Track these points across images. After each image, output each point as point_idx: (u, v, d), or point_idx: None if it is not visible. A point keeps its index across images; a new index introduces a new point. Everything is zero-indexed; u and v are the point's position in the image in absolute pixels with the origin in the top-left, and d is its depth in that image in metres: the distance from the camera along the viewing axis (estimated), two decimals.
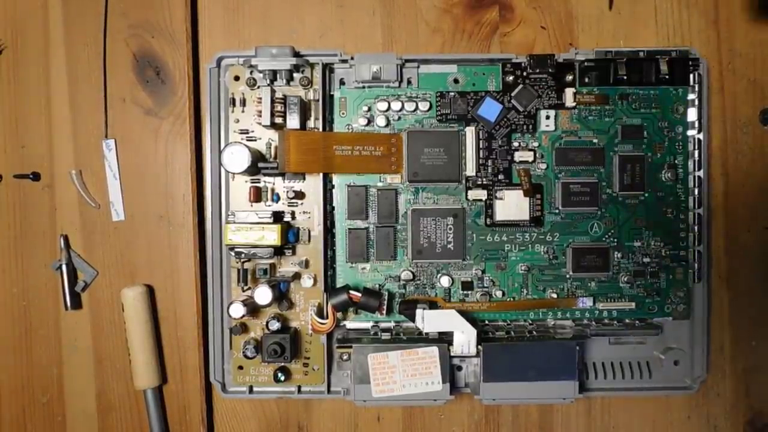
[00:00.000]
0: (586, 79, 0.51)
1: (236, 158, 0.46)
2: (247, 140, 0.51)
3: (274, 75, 0.49)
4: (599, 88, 0.51)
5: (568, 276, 0.52)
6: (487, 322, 0.52)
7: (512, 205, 0.51)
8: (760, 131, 0.53)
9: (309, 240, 0.51)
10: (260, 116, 0.49)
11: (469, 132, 0.51)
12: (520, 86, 0.51)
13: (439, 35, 0.53)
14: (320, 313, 0.50)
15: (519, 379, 0.47)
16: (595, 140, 0.51)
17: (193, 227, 0.53)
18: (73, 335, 0.53)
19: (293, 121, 0.48)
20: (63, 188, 0.53)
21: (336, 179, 0.52)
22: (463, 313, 0.48)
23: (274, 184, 0.51)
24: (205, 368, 0.52)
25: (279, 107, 0.48)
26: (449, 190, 0.52)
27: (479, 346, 0.47)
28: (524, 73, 0.51)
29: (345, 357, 0.51)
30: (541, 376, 0.47)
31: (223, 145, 0.51)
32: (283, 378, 0.50)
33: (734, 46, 0.53)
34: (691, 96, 0.51)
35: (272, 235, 0.47)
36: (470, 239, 0.52)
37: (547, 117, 0.51)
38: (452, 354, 0.48)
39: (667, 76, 0.50)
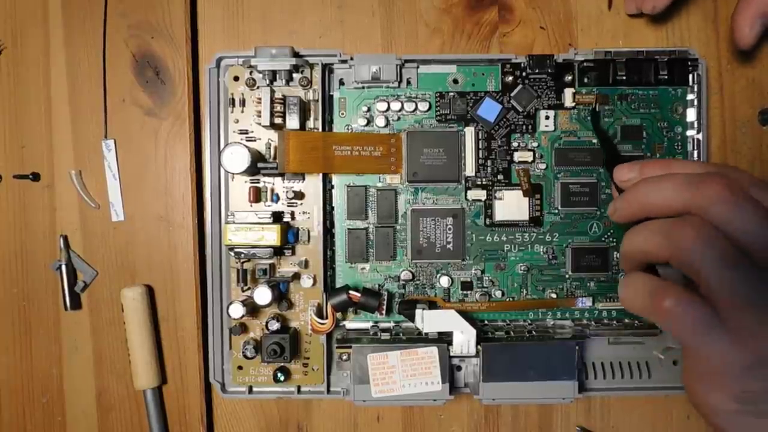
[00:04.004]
0: (586, 80, 0.51)
1: (236, 158, 0.46)
2: (247, 140, 0.51)
3: (273, 75, 0.49)
4: (598, 88, 0.51)
5: (567, 276, 0.52)
6: (486, 322, 0.53)
7: (512, 206, 0.51)
8: (759, 131, 0.53)
9: (308, 240, 0.51)
10: (260, 116, 0.49)
11: (469, 132, 0.51)
12: (520, 86, 0.51)
13: (438, 35, 0.54)
14: (320, 313, 0.50)
15: (518, 379, 0.47)
16: (594, 140, 0.51)
17: (193, 227, 0.53)
18: (73, 335, 0.53)
19: (293, 122, 0.48)
20: (63, 188, 0.53)
21: (335, 179, 0.52)
22: (463, 313, 0.48)
23: (273, 184, 0.51)
24: (205, 368, 0.52)
25: (278, 107, 0.48)
26: (449, 191, 0.52)
27: (479, 346, 0.47)
28: (523, 74, 0.51)
29: (344, 357, 0.51)
30: (540, 376, 0.47)
31: (222, 145, 0.51)
32: (282, 378, 0.50)
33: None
34: (690, 96, 0.51)
35: (272, 236, 0.47)
36: (470, 239, 0.52)
37: (547, 117, 0.51)
38: (452, 354, 0.48)
39: (666, 77, 0.50)
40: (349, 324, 0.52)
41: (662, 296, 0.29)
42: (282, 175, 0.51)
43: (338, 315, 0.51)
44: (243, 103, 0.50)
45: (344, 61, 0.50)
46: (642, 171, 0.33)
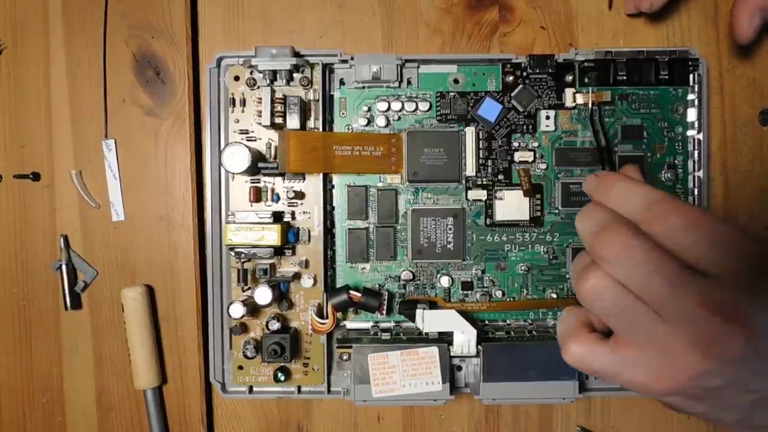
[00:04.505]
0: (586, 80, 0.51)
1: (236, 158, 0.46)
2: (247, 140, 0.51)
3: (274, 75, 0.49)
4: (599, 88, 0.51)
5: (568, 276, 0.52)
6: (487, 322, 0.53)
7: (512, 206, 0.51)
8: (760, 131, 0.53)
9: (309, 240, 0.51)
10: (260, 116, 0.49)
11: (469, 132, 0.51)
12: (520, 86, 0.51)
13: (438, 35, 0.54)
14: (320, 313, 0.50)
15: (519, 379, 0.47)
16: (593, 140, 0.51)
17: (193, 227, 0.53)
18: (73, 335, 0.53)
19: (293, 121, 0.48)
20: (63, 188, 0.53)
21: (336, 179, 0.52)
22: (463, 313, 0.48)
23: (274, 184, 0.51)
24: (205, 368, 0.52)
25: (279, 107, 0.48)
26: (449, 190, 0.52)
27: (479, 346, 0.47)
28: (524, 74, 0.51)
29: (345, 357, 0.51)
30: (541, 376, 0.47)
31: (223, 145, 0.51)
32: (283, 378, 0.50)
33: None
34: (690, 96, 0.51)
35: (272, 235, 0.47)
36: (470, 239, 0.52)
37: (547, 117, 0.51)
38: (452, 354, 0.48)
39: (666, 77, 0.50)
40: (350, 324, 0.52)
41: (569, 342, 0.31)
42: (282, 174, 0.51)
43: (339, 315, 0.51)
44: (243, 102, 0.50)
45: (345, 61, 0.50)
46: (596, 189, 0.32)
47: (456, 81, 0.52)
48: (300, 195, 0.51)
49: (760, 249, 0.26)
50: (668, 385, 0.28)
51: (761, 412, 0.27)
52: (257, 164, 0.48)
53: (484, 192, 0.51)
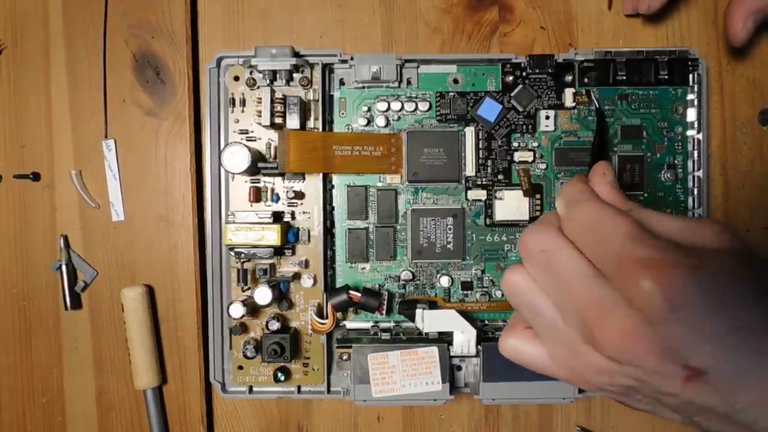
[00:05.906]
0: (586, 80, 0.51)
1: (236, 158, 0.46)
2: (247, 140, 0.51)
3: (273, 75, 0.49)
4: (599, 88, 0.51)
5: None
6: (486, 321, 0.53)
7: (512, 205, 0.51)
8: (759, 131, 0.53)
9: (309, 240, 0.51)
10: (260, 116, 0.49)
11: (469, 132, 0.51)
12: (520, 86, 0.51)
13: (438, 35, 0.54)
14: (320, 313, 0.50)
15: (519, 379, 0.47)
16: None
17: (193, 227, 0.53)
18: (73, 335, 0.53)
19: (293, 121, 0.48)
20: (63, 188, 0.53)
21: (336, 179, 0.52)
22: (463, 313, 0.48)
23: (273, 184, 0.51)
24: (205, 368, 0.52)
25: (279, 107, 0.48)
26: (449, 190, 0.52)
27: (479, 346, 0.47)
28: (524, 74, 0.51)
29: (345, 357, 0.51)
30: (540, 376, 0.47)
31: (222, 145, 0.51)
32: (282, 378, 0.50)
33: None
34: (690, 96, 0.51)
35: (272, 235, 0.47)
36: (470, 239, 0.52)
37: (547, 117, 0.51)
38: (452, 354, 0.48)
39: (666, 77, 0.50)
40: (350, 324, 0.52)
41: (505, 334, 0.32)
42: (282, 174, 0.51)
43: (338, 315, 0.51)
44: (243, 102, 0.50)
45: (344, 61, 0.50)
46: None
47: (456, 81, 0.52)
48: (300, 195, 0.51)
49: (649, 253, 0.25)
50: (583, 381, 0.28)
51: (702, 418, 0.26)
52: (257, 164, 0.48)
53: (484, 192, 0.51)
